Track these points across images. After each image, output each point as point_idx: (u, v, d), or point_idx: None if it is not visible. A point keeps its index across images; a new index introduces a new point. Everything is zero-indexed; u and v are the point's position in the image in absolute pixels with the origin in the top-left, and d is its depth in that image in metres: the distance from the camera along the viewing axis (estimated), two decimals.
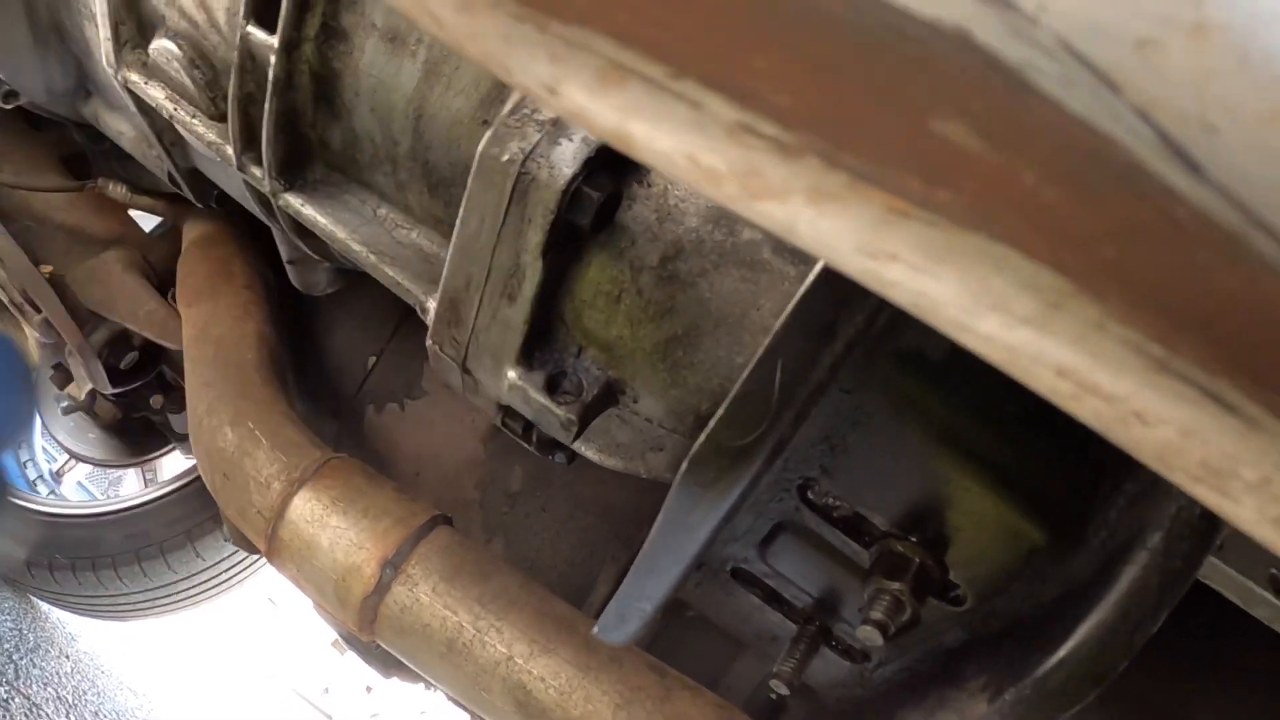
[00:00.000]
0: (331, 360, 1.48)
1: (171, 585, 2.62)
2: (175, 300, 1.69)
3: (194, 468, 2.63)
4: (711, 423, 0.55)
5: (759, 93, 0.22)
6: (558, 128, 0.70)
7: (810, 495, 0.65)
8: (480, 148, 0.72)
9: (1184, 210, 0.19)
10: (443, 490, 1.38)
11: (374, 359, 1.43)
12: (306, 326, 1.52)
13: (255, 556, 2.79)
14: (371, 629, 1.05)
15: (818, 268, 0.51)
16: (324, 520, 1.07)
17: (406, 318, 1.45)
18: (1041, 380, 0.24)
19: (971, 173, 0.21)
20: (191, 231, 1.68)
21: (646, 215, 0.73)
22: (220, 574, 2.71)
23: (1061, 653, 0.56)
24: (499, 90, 0.81)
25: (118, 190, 1.71)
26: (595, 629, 0.82)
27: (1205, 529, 0.54)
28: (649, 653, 1.01)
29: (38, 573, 2.57)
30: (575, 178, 0.68)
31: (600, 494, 1.31)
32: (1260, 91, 0.19)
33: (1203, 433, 0.23)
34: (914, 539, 0.63)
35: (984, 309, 0.22)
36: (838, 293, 0.51)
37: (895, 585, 0.62)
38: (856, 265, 0.24)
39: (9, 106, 1.53)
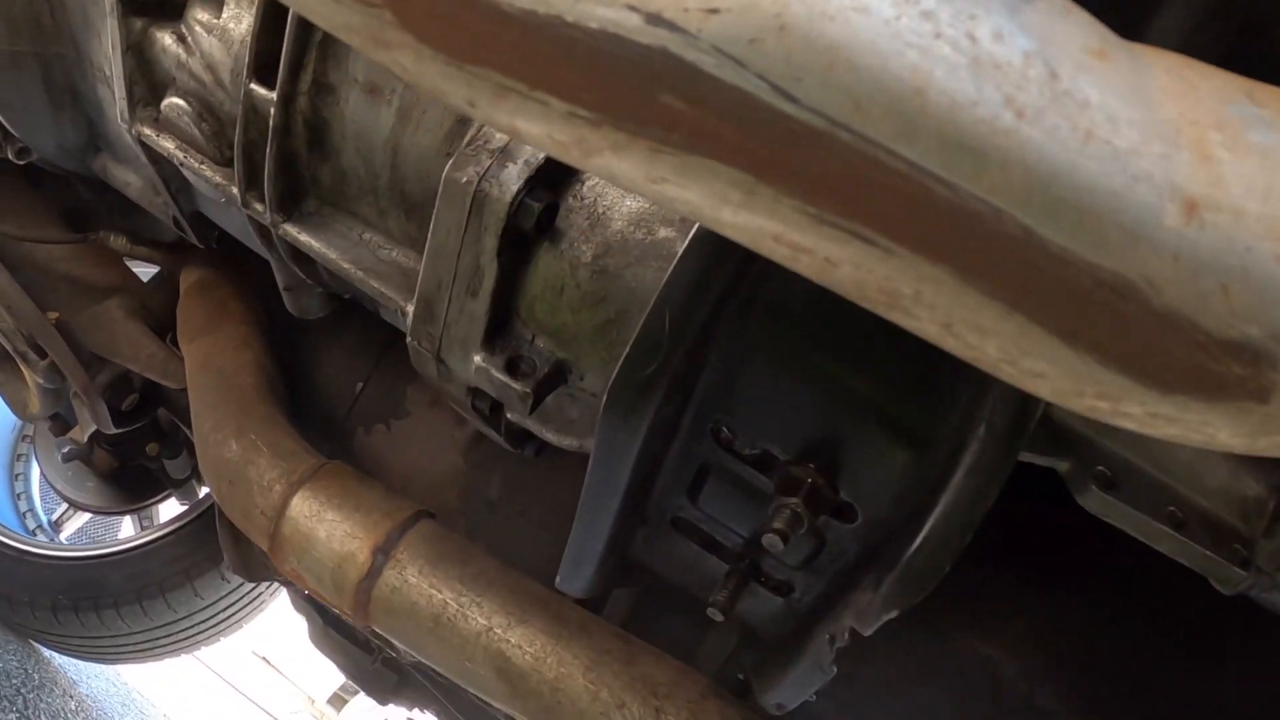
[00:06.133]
0: (322, 388, 1.59)
1: (171, 625, 2.65)
2: (175, 344, 1.80)
3: (190, 510, 2.72)
4: (620, 361, 0.70)
5: (574, 94, 0.37)
6: (505, 154, 0.85)
7: (722, 436, 0.79)
8: (444, 173, 0.88)
9: (795, 125, 0.34)
10: (428, 500, 1.47)
11: (361, 385, 1.55)
12: (299, 359, 1.63)
13: (252, 593, 2.86)
14: (366, 611, 1.17)
15: (690, 236, 0.67)
16: (321, 515, 1.18)
17: (389, 349, 1.56)
18: (773, 249, 0.38)
19: (684, 121, 0.35)
20: (189, 277, 1.77)
21: (580, 221, 0.89)
22: (218, 614, 2.74)
23: (919, 539, 0.70)
24: (459, 127, 0.97)
25: (118, 241, 1.80)
26: (557, 580, 0.95)
27: (1017, 419, 0.68)
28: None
29: (40, 615, 2.60)
30: (519, 192, 0.85)
31: (571, 496, 1.44)
32: (817, 55, 0.34)
33: (864, 264, 0.37)
34: (810, 465, 0.78)
35: (718, 204, 0.37)
36: (707, 256, 0.67)
37: (792, 500, 0.74)
38: (651, 191, 0.38)
39: (21, 162, 1.61)
